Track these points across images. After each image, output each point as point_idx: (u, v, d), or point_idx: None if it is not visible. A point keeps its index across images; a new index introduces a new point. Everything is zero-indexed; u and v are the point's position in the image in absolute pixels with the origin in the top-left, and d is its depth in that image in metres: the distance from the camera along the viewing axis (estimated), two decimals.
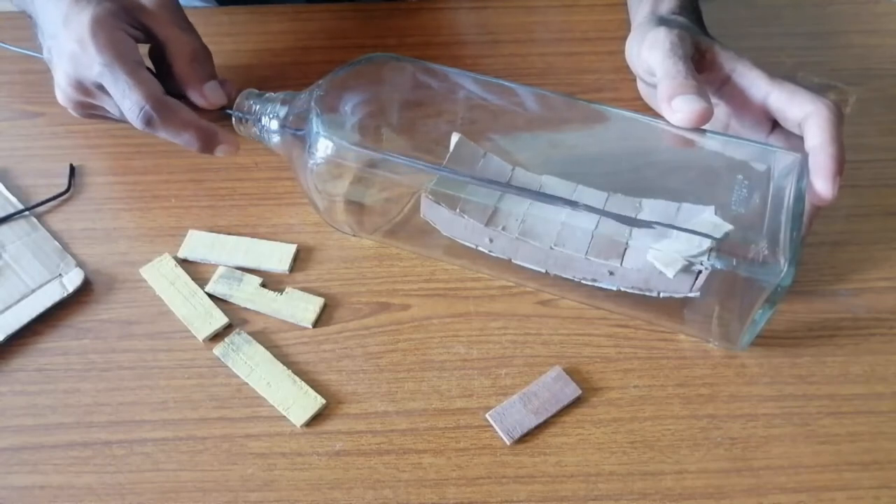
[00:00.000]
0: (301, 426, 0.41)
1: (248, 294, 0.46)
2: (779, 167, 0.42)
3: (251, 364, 0.43)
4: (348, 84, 0.47)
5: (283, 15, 0.63)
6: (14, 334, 0.44)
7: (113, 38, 0.46)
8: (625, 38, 0.50)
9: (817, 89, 0.44)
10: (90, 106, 0.50)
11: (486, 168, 0.45)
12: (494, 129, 0.47)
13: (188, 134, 0.47)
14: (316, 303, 0.46)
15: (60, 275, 0.46)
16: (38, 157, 0.53)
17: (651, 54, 0.45)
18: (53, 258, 0.47)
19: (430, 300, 0.46)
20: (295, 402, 0.42)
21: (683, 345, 0.44)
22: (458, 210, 0.43)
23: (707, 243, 0.38)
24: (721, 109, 0.47)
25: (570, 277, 0.44)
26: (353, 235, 0.49)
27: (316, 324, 0.45)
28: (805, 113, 0.43)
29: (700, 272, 0.40)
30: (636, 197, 0.43)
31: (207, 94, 0.49)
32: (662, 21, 0.47)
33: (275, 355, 0.44)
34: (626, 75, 0.53)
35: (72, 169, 0.52)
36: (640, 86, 0.53)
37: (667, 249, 0.39)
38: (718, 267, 0.39)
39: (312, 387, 0.42)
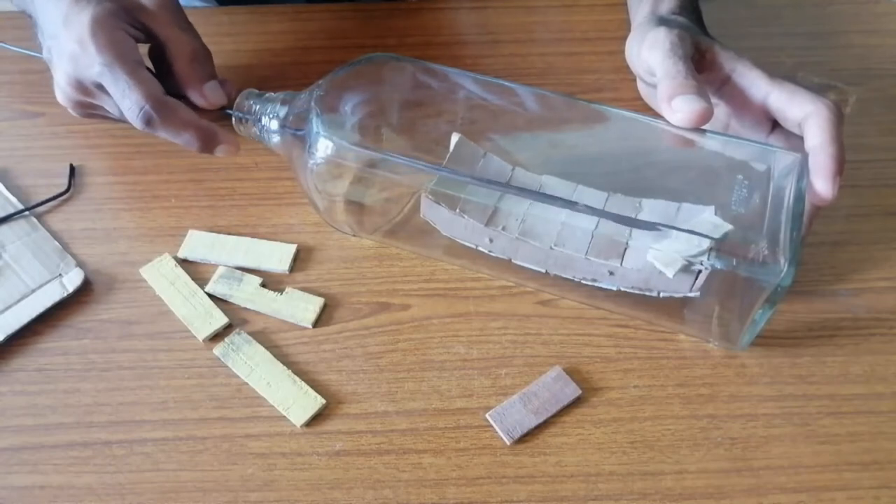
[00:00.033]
0: (301, 426, 0.41)
1: (248, 294, 0.46)
2: (779, 167, 0.42)
3: (251, 364, 0.43)
4: (348, 84, 0.47)
5: (283, 15, 0.63)
6: (14, 334, 0.44)
7: (113, 37, 0.46)
8: (625, 38, 0.50)
9: (817, 89, 0.44)
10: (90, 106, 0.50)
11: (486, 168, 0.45)
12: (494, 129, 0.47)
13: (188, 134, 0.47)
14: (316, 303, 0.46)
15: (60, 275, 0.46)
16: (38, 157, 0.53)
17: (651, 54, 0.45)
18: (53, 258, 0.47)
19: (430, 300, 0.46)
20: (295, 402, 0.42)
21: (683, 345, 0.44)
22: (458, 210, 0.43)
23: (706, 243, 0.38)
24: (721, 109, 0.47)
25: (570, 277, 0.44)
26: (353, 235, 0.49)
27: (316, 324, 0.45)
28: (805, 113, 0.43)
29: (700, 272, 0.40)
30: (636, 197, 0.43)
31: (207, 94, 0.49)
32: (662, 21, 0.47)
33: (275, 355, 0.44)
34: (626, 75, 0.53)
35: (72, 169, 0.52)
36: (640, 86, 0.53)
37: (666, 249, 0.39)
38: (718, 267, 0.39)
39: (312, 387, 0.42)
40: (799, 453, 0.40)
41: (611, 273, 0.42)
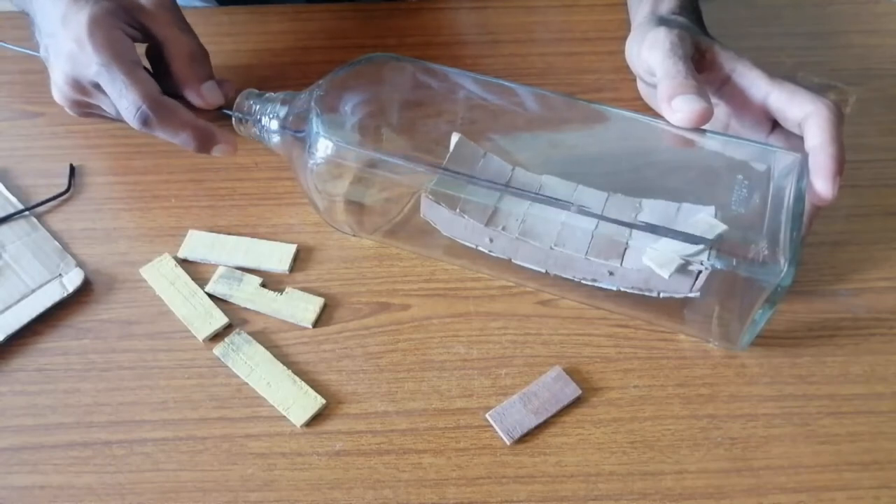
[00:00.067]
0: (301, 426, 0.41)
1: (248, 294, 0.46)
2: (779, 167, 0.42)
3: (251, 364, 0.43)
4: (348, 84, 0.47)
5: (283, 15, 0.63)
6: (14, 334, 0.44)
7: (110, 37, 0.46)
8: (625, 38, 0.50)
9: (817, 89, 0.44)
10: (87, 105, 0.50)
11: (486, 168, 0.45)
12: (494, 129, 0.47)
13: (185, 134, 0.47)
14: (316, 303, 0.46)
15: (60, 275, 0.46)
16: (38, 157, 0.53)
17: (651, 54, 0.45)
18: (53, 258, 0.47)
19: (430, 300, 0.46)
20: (295, 402, 0.42)
21: (683, 345, 0.44)
22: (458, 210, 0.43)
23: (702, 243, 0.39)
24: (721, 109, 0.47)
25: (570, 277, 0.44)
26: (353, 235, 0.49)
27: (316, 324, 0.45)
28: (805, 113, 0.43)
29: (700, 272, 0.40)
30: (636, 197, 0.43)
31: (205, 94, 0.49)
32: (662, 21, 0.47)
33: (275, 355, 0.43)
34: (626, 75, 0.53)
35: (72, 169, 0.52)
36: (640, 86, 0.53)
37: (664, 250, 0.39)
38: (718, 267, 0.39)
39: (312, 387, 0.42)
40: (799, 453, 0.40)
41: (611, 273, 0.42)
